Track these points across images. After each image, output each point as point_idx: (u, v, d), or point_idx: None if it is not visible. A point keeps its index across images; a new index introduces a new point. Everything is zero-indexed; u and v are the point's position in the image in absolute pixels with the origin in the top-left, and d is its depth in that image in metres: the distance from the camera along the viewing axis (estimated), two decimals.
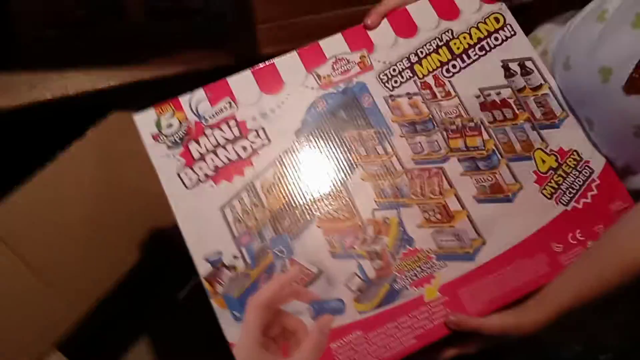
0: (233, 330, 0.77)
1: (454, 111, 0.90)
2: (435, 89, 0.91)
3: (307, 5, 1.17)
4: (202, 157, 0.84)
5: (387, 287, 0.81)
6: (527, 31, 1.02)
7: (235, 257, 0.80)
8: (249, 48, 1.12)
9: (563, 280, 0.81)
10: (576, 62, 0.88)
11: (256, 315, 0.70)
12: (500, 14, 0.95)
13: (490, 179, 0.87)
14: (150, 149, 0.85)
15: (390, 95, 0.90)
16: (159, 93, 0.92)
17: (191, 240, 0.80)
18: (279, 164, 0.85)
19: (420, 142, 0.88)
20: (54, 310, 1.02)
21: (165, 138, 0.85)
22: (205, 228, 0.81)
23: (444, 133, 0.89)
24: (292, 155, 0.86)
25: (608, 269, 0.78)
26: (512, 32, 0.94)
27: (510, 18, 0.96)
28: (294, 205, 0.84)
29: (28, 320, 1.00)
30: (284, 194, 0.84)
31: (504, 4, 0.96)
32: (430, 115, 0.90)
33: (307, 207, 0.84)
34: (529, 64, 0.93)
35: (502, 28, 0.94)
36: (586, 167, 0.88)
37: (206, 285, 0.79)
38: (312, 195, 0.84)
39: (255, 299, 0.69)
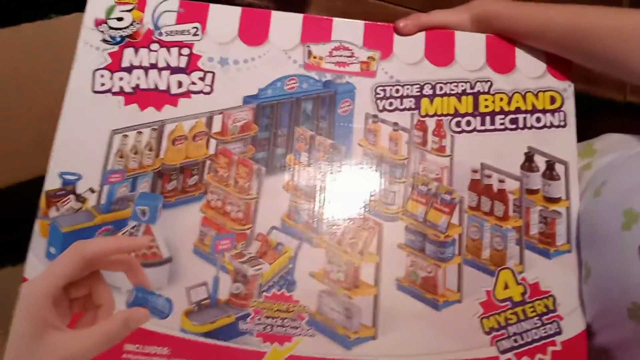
0: (37, 266, 0.60)
1: (437, 172, 0.66)
2: (429, 136, 0.67)
3: None
4: (130, 69, 0.66)
5: (231, 319, 0.60)
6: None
7: (92, 190, 0.62)
8: (296, 2, 0.98)
9: None
10: (608, 191, 0.61)
11: (72, 264, 0.56)
12: (560, 95, 0.69)
13: (429, 270, 0.63)
14: (85, 33, 0.67)
15: (374, 115, 0.67)
16: None
17: (59, 146, 0.63)
18: (205, 120, 0.66)
19: (374, 184, 0.66)
20: None
21: (107, 29, 0.67)
22: (83, 143, 0.64)
23: (409, 189, 0.66)
24: (225, 119, 0.66)
25: None
26: (562, 123, 0.69)
27: (569, 106, 0.69)
28: (190, 172, 0.65)
29: None
30: (188, 154, 0.65)
31: (572, 86, 0.70)
32: (406, 161, 0.67)
33: (204, 183, 0.64)
34: (559, 168, 0.67)
35: (552, 112, 0.69)
36: (554, 323, 0.62)
37: (42, 200, 0.62)
38: (216, 173, 0.65)
39: (82, 246, 0.55)
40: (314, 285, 0.62)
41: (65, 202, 0.62)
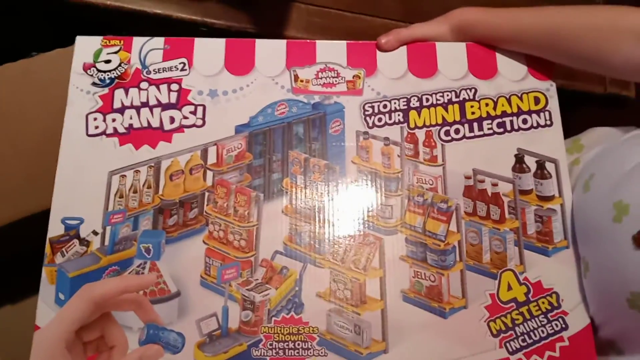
0: (47, 313, 0.60)
1: (431, 182, 0.67)
2: (420, 148, 0.68)
3: (361, 3, 0.97)
4: (122, 110, 0.67)
5: (243, 347, 0.60)
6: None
7: (95, 233, 0.63)
8: (275, 22, 0.99)
9: None
10: (597, 184, 0.62)
11: (81, 308, 0.56)
12: (544, 95, 0.70)
13: (432, 279, 0.63)
14: (74, 78, 0.68)
15: (365, 132, 0.68)
16: (156, 33, 0.73)
17: (59, 192, 0.64)
18: (200, 153, 0.66)
19: (371, 199, 0.66)
20: None
21: (96, 72, 0.68)
22: (82, 187, 0.64)
23: (405, 201, 0.66)
24: (219, 150, 0.67)
25: None
26: (548, 122, 0.70)
27: (553, 105, 0.70)
28: (190, 205, 0.65)
29: None
30: (187, 188, 0.66)
31: (554, 85, 0.71)
32: (399, 175, 0.68)
33: (205, 215, 0.65)
34: (550, 167, 0.68)
35: (538, 112, 0.70)
36: (560, 320, 0.63)
37: (47, 248, 0.62)
38: (216, 204, 0.65)
39: (90, 289, 0.56)
40: (321, 306, 0.63)
41: (70, 247, 0.63)
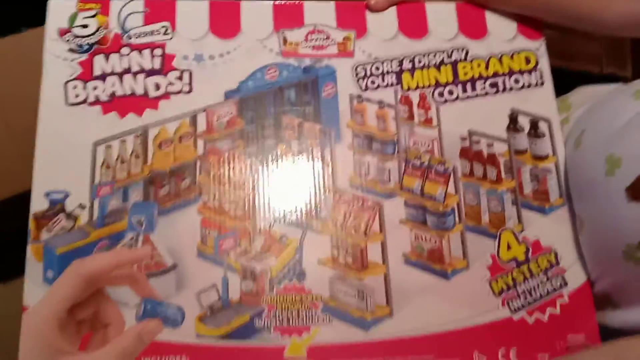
0: (35, 292, 0.56)
1: (427, 144, 0.66)
2: (415, 110, 0.67)
3: None
4: (103, 77, 0.63)
5: (246, 318, 0.58)
6: None
7: (82, 206, 0.59)
8: None
9: None
10: (588, 140, 0.61)
11: (72, 285, 0.53)
12: (534, 54, 0.70)
13: (433, 241, 0.63)
14: (49, 44, 0.63)
15: (359, 96, 0.66)
16: None
17: (41, 166, 0.60)
18: (189, 120, 0.63)
19: (368, 163, 0.64)
20: None
21: (73, 38, 0.63)
22: (65, 159, 0.60)
23: (402, 164, 0.65)
24: (209, 117, 0.64)
25: None
26: (540, 81, 0.69)
27: (544, 64, 0.70)
28: (182, 175, 0.62)
29: None
30: (177, 157, 0.63)
31: (544, 44, 0.71)
32: (396, 138, 0.66)
33: (197, 185, 0.62)
34: (543, 125, 0.68)
35: (529, 71, 0.69)
36: (559, 277, 0.63)
37: (31, 224, 0.58)
38: (208, 173, 0.63)
39: (81, 265, 0.52)
40: (323, 272, 0.61)
41: (56, 222, 0.59)
